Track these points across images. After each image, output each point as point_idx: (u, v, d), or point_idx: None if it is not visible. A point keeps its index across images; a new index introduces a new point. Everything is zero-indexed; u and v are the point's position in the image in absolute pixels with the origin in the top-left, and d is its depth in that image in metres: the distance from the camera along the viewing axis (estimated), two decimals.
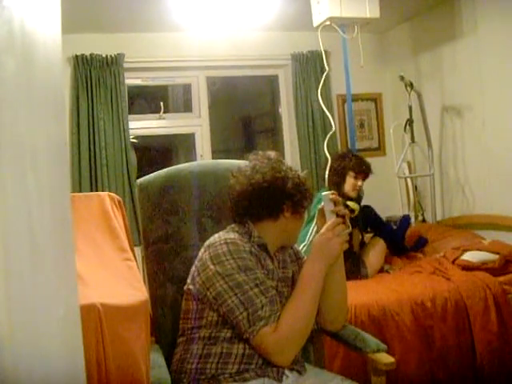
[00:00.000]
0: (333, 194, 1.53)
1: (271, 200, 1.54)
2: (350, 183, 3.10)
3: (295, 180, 1.56)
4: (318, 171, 4.01)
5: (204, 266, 1.48)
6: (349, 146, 4.18)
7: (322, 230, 1.50)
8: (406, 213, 3.80)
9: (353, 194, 3.09)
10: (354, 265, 3.02)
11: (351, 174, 3.09)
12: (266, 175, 1.54)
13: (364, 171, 3.11)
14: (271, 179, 1.54)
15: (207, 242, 1.54)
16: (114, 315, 1.06)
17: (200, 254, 1.54)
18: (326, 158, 3.31)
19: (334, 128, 3.40)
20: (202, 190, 1.82)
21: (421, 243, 3.43)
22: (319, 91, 3.45)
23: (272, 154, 1.63)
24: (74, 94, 3.63)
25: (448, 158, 3.85)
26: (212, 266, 1.46)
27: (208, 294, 1.46)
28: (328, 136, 3.41)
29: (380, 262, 3.14)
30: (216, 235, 1.55)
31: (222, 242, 1.49)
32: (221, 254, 1.46)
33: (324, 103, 3.47)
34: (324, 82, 3.55)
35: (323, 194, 1.54)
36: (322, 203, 1.54)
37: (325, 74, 3.44)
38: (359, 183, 3.10)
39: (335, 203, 1.52)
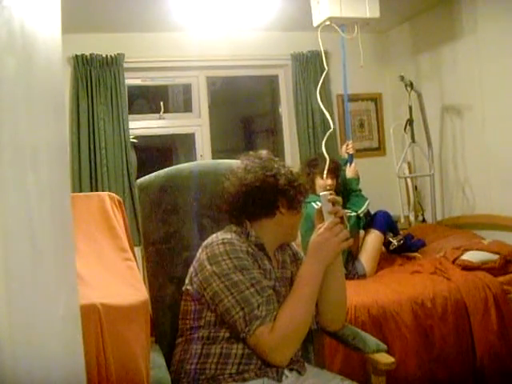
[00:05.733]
0: (331, 194, 1.53)
1: (265, 198, 1.55)
2: (319, 185, 3.19)
3: (288, 176, 1.57)
4: None
5: (201, 267, 1.48)
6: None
7: (320, 230, 1.50)
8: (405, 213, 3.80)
9: None
10: (350, 264, 3.03)
11: (319, 177, 3.20)
12: (258, 174, 1.55)
13: (329, 171, 3.18)
14: (263, 178, 1.54)
15: (205, 243, 1.54)
16: (114, 315, 1.06)
17: (198, 254, 1.54)
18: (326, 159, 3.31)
19: (332, 126, 3.41)
20: (202, 190, 1.82)
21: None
22: (318, 90, 3.45)
23: (263, 153, 1.64)
24: (74, 94, 3.63)
25: (448, 158, 3.85)
26: (209, 267, 1.46)
27: (205, 294, 1.46)
28: (327, 135, 3.41)
29: (377, 259, 3.13)
30: (213, 235, 1.55)
31: (219, 242, 1.49)
32: (217, 254, 1.46)
33: (324, 103, 3.47)
34: (324, 82, 3.54)
35: (321, 194, 1.54)
36: (320, 204, 1.54)
37: (324, 72, 3.44)
38: (328, 182, 3.16)
39: (333, 204, 1.52)
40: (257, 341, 1.40)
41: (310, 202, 2.81)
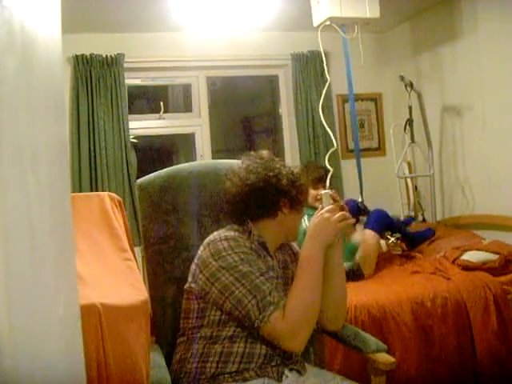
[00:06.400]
0: (333, 192, 1.55)
1: (267, 199, 1.55)
2: (311, 196, 3.06)
3: (289, 176, 1.58)
4: None
5: (206, 263, 1.48)
6: (351, 146, 4.19)
7: (320, 212, 1.51)
8: (410, 214, 3.81)
9: (317, 204, 3.07)
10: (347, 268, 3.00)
11: (310, 187, 3.07)
12: (260, 175, 1.55)
13: (320, 181, 3.12)
14: (265, 178, 1.55)
15: (206, 240, 1.54)
16: (114, 315, 1.06)
17: (199, 252, 1.54)
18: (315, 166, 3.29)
19: (335, 146, 3.37)
20: (202, 189, 1.82)
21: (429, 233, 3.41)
22: (320, 105, 3.41)
23: (264, 153, 1.64)
24: (74, 94, 3.63)
25: (448, 157, 3.85)
26: (214, 262, 1.46)
27: (213, 289, 1.46)
28: (329, 153, 3.35)
29: (374, 260, 3.06)
30: (215, 233, 1.55)
31: (222, 238, 1.50)
32: (222, 250, 1.47)
33: (324, 103, 3.46)
34: (323, 81, 3.55)
35: (323, 192, 1.56)
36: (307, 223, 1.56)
37: (327, 83, 3.43)
38: (320, 191, 3.09)
39: (334, 200, 1.53)
40: (272, 328, 1.39)
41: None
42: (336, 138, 4.14)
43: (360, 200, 3.37)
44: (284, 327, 1.39)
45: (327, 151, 3.47)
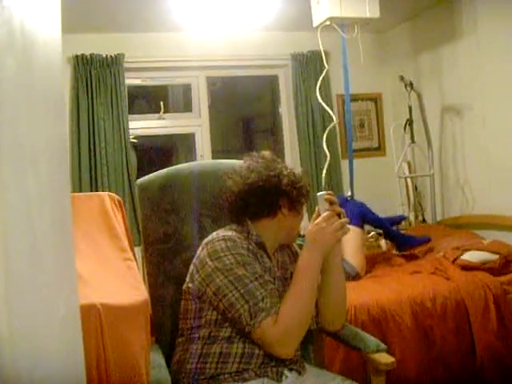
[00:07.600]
0: (328, 194, 1.54)
1: (268, 198, 1.55)
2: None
3: (290, 177, 1.57)
4: (317, 171, 4.01)
5: (202, 263, 1.48)
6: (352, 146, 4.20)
7: (317, 220, 1.50)
8: (405, 213, 3.83)
9: None
10: None
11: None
12: (261, 174, 1.55)
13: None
14: (266, 177, 1.55)
15: (205, 240, 1.54)
16: (114, 315, 1.06)
17: (198, 252, 1.54)
18: (326, 156, 3.28)
19: (335, 120, 3.38)
20: (202, 190, 1.82)
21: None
22: (317, 87, 3.43)
23: (266, 153, 1.65)
24: (73, 94, 3.63)
25: (448, 158, 3.85)
26: (210, 263, 1.46)
27: (208, 290, 1.46)
28: (328, 129, 3.38)
29: (362, 254, 3.01)
30: (214, 233, 1.55)
31: (220, 238, 1.50)
32: (219, 250, 1.47)
33: (324, 103, 3.46)
34: (324, 81, 3.55)
35: (318, 194, 1.54)
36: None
37: (324, 71, 3.44)
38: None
39: (331, 203, 1.52)
40: (262, 333, 1.40)
41: None
42: (336, 138, 4.15)
43: (349, 194, 3.37)
44: (274, 334, 1.39)
45: (328, 151, 3.48)
